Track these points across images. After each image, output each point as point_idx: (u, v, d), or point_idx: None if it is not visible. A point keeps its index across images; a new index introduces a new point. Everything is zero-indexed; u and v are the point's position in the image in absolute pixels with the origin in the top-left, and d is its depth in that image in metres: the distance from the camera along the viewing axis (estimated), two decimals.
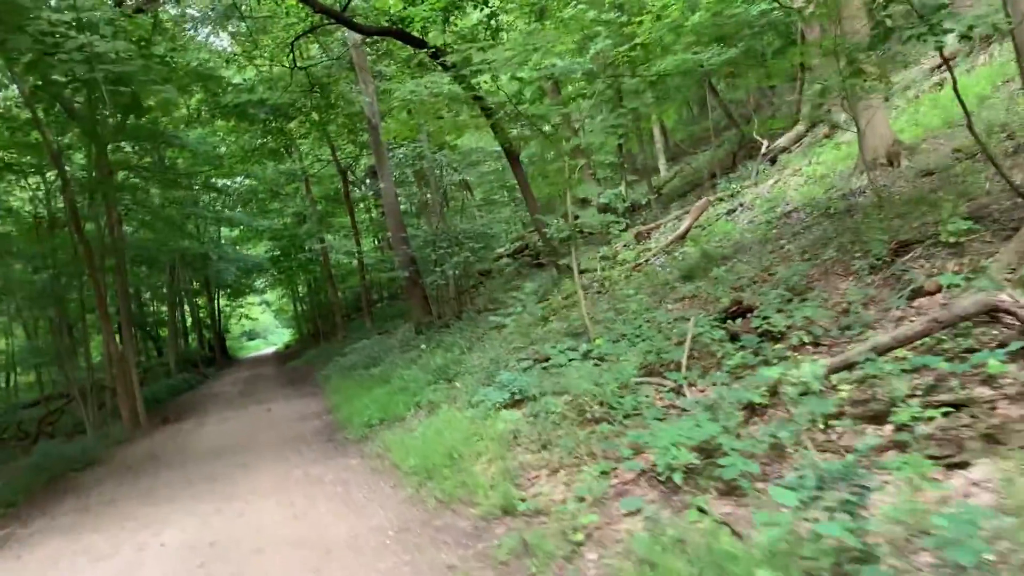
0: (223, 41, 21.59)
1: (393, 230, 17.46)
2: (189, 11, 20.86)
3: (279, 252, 26.84)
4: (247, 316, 45.89)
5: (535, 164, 17.17)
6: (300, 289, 37.69)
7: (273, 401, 16.16)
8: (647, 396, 5.95)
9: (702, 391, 5.81)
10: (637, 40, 8.09)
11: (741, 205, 14.13)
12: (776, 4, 9.50)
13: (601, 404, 5.96)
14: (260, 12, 18.81)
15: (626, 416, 5.73)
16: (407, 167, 20.46)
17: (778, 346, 5.99)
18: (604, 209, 17.35)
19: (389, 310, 29.05)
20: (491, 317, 12.92)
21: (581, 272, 15.54)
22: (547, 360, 8.23)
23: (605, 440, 5.42)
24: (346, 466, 8.02)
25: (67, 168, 16.01)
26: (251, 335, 56.69)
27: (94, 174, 16.16)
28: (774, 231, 10.79)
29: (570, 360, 7.36)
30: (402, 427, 8.89)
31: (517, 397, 7.37)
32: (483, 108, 11.71)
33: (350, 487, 7.01)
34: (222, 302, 43.36)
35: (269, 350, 49.49)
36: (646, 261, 13.55)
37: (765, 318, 6.26)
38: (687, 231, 13.96)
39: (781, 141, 17.78)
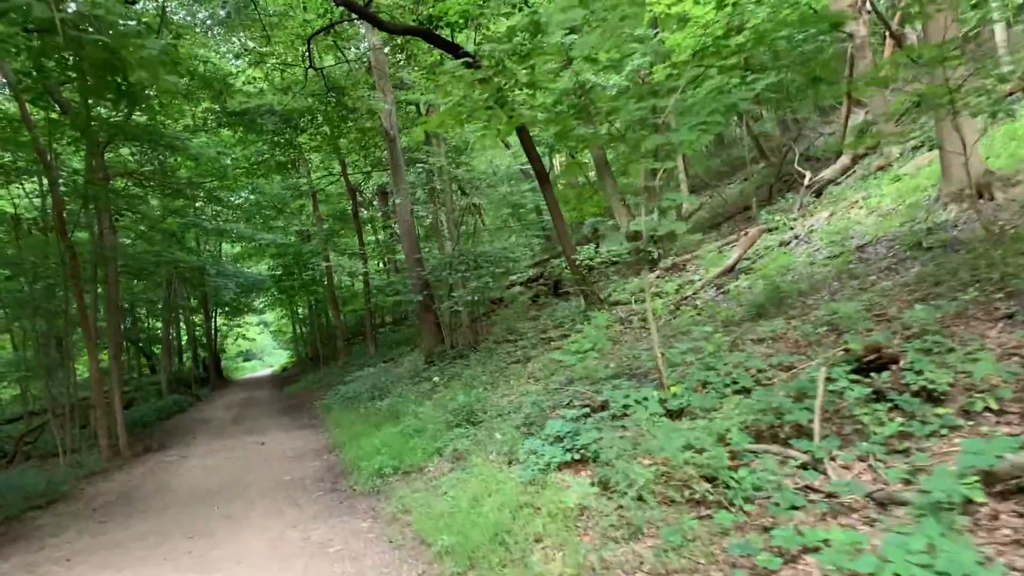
0: (233, 45, 20.26)
1: (407, 250, 16.01)
2: (199, 15, 19.66)
3: (281, 271, 25.27)
4: (244, 336, 44.26)
5: (564, 184, 15.85)
6: (300, 311, 36.14)
7: (267, 432, 14.57)
8: (770, 472, 4.43)
9: (847, 468, 4.31)
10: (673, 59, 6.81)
11: (796, 238, 12.71)
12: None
13: (708, 480, 4.45)
14: (276, 3, 17.49)
15: (746, 500, 4.22)
16: (420, 186, 19.11)
17: (941, 410, 4.50)
18: (634, 237, 15.96)
19: (393, 336, 27.51)
20: (543, 349, 11.44)
21: (612, 303, 14.12)
22: (604, 407, 6.73)
23: (726, 535, 3.91)
24: (355, 530, 6.44)
25: (59, 170, 14.56)
26: (247, 356, 54.95)
27: (85, 176, 14.70)
28: (850, 265, 9.36)
29: (649, 413, 5.82)
30: (422, 481, 7.34)
31: (576, 455, 5.85)
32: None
33: (363, 566, 5.44)
34: (219, 321, 41.80)
35: (265, 372, 47.77)
36: (693, 294, 12.10)
37: (918, 372, 4.77)
38: (736, 263, 12.52)
39: (826, 173, 16.44)
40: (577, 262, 14.15)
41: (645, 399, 6.16)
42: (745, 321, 8.56)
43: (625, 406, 6.31)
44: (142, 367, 35.83)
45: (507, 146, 23.81)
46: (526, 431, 7.06)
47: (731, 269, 12.55)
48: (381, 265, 30.06)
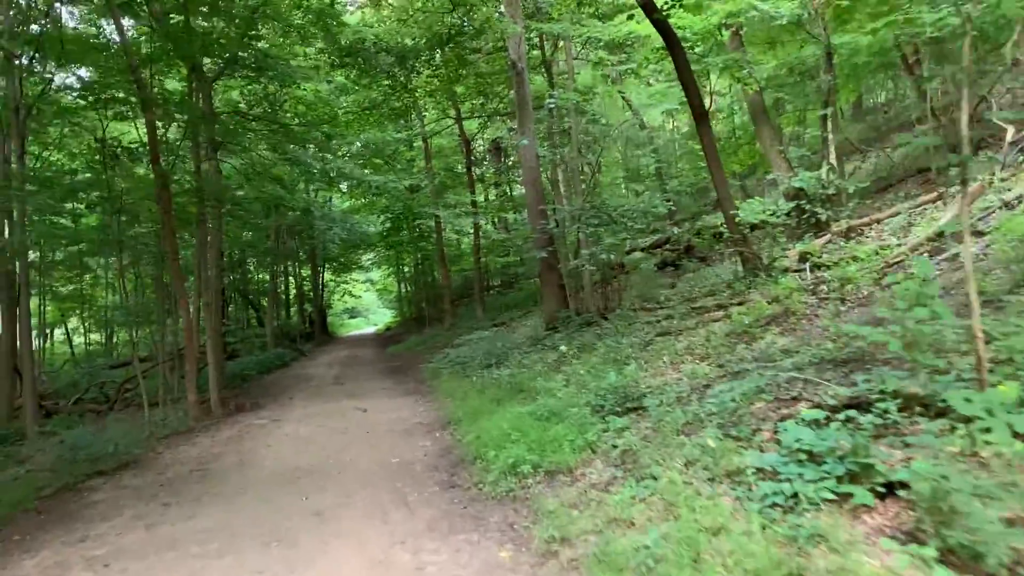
0: None
1: (530, 200, 13.88)
2: None
3: (389, 224, 23.57)
4: (350, 293, 43.55)
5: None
6: (406, 269, 34.77)
7: (370, 396, 12.89)
8: None
9: None
10: None
11: (1019, 199, 9.80)
12: None
13: None
14: None
15: None
16: (547, 133, 16.85)
17: None
18: (796, 196, 13.21)
19: (501, 299, 25.62)
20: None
21: (783, 270, 11.56)
22: (858, 406, 4.40)
23: None
24: (492, 563, 4.39)
25: (158, 95, 13.13)
26: (353, 313, 54.62)
27: (184, 101, 13.24)
28: None
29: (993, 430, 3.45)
30: (577, 490, 5.20)
31: (860, 486, 3.57)
32: None
33: None
34: (327, 276, 41.19)
35: (369, 330, 47.15)
36: (898, 260, 9.44)
37: None
38: (957, 225, 9.72)
39: None
40: (737, 220, 11.63)
41: (967, 401, 3.76)
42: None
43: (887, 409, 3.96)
44: (250, 319, 35.56)
45: (629, 105, 21.20)
46: (738, 436, 4.80)
47: (940, 233, 9.79)
48: (491, 226, 28.14)
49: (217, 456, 8.60)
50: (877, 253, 10.16)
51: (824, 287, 9.33)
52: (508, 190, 27.40)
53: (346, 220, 31.09)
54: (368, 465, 7.38)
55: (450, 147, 25.46)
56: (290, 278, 36.84)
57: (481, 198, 26.36)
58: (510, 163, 24.52)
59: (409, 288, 36.53)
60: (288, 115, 19.81)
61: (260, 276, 34.98)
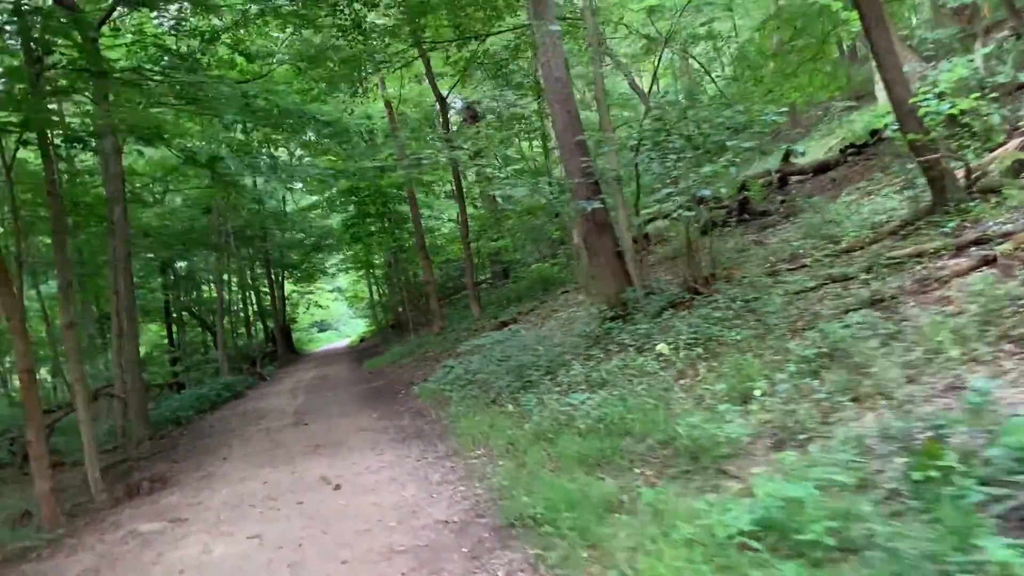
0: None
1: (561, 127, 9.10)
2: None
3: (355, 209, 18.41)
4: (317, 304, 38.36)
5: None
6: (377, 269, 29.77)
7: (346, 447, 8.09)
8: None
9: None
10: None
11: None
12: None
13: None
14: None
15: None
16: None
17: None
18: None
19: (496, 293, 20.86)
20: None
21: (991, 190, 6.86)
22: None
23: None
24: None
25: None
26: (322, 326, 49.30)
27: None
28: None
29: None
30: None
31: None
32: None
33: None
34: (288, 288, 36.01)
35: (342, 343, 41.89)
36: None
37: None
38: None
39: None
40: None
41: None
42: None
43: None
44: (207, 342, 30.43)
45: None
46: None
47: None
48: (474, 207, 23.31)
49: None
50: None
51: None
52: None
53: (303, 220, 26.16)
54: None
55: (420, 114, 20.50)
56: (248, 292, 31.69)
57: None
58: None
59: (382, 291, 31.51)
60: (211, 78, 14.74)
61: (211, 293, 29.82)
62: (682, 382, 5.85)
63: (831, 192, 12.53)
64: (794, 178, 15.21)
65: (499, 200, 21.21)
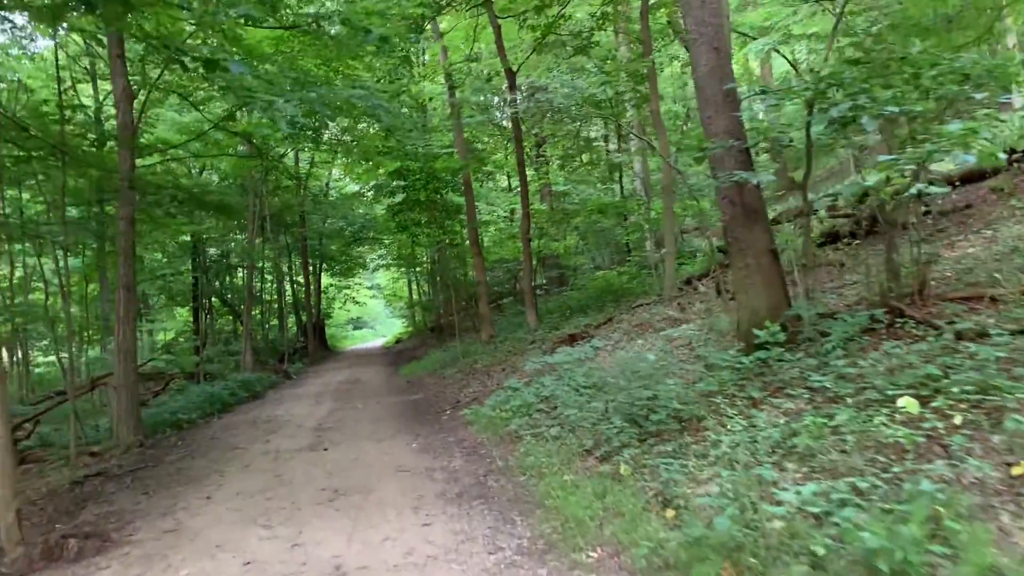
0: None
1: (705, 66, 6.43)
2: None
3: (404, 194, 15.84)
4: (354, 300, 36.09)
5: None
6: (419, 267, 27.37)
7: (377, 490, 5.66)
8: None
9: None
10: None
11: None
12: None
13: None
14: None
15: None
16: None
17: None
18: None
19: (553, 301, 18.26)
20: None
21: None
22: None
23: None
24: None
25: None
26: (357, 324, 47.06)
27: None
28: None
29: None
30: None
31: None
32: None
33: None
34: (326, 280, 33.84)
35: (377, 342, 39.62)
36: None
37: None
38: None
39: None
40: None
41: None
42: None
43: None
44: (238, 333, 28.32)
45: None
46: None
47: None
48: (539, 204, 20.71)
49: None
50: None
51: None
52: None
53: (345, 206, 23.88)
54: None
55: (481, 94, 17.96)
56: (283, 282, 29.59)
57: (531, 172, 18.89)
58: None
59: (424, 290, 29.10)
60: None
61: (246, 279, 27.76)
62: (977, 475, 3.20)
63: (995, 208, 9.82)
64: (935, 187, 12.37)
65: (561, 198, 18.65)
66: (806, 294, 5.97)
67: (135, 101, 11.16)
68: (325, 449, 8.11)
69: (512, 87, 14.97)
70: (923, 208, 11.63)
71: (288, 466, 7.33)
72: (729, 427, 4.60)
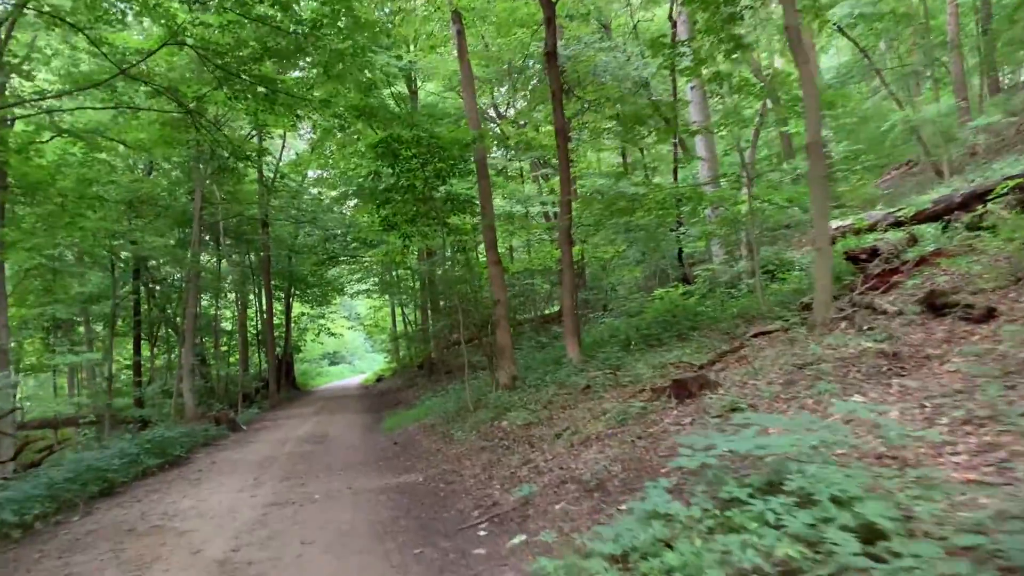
0: None
1: None
2: None
3: (392, 177, 10.78)
4: (329, 331, 30.93)
5: None
6: (407, 292, 22.41)
7: None
8: None
9: None
10: None
11: None
12: None
13: None
14: None
15: None
16: None
17: None
18: None
19: (596, 330, 13.43)
20: None
21: None
22: None
23: None
24: None
25: None
26: (334, 359, 41.69)
27: None
28: None
29: None
30: None
31: None
32: None
33: None
34: (297, 308, 28.81)
35: (354, 380, 34.24)
36: None
37: None
38: None
39: None
40: None
41: None
42: None
43: None
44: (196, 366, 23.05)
45: None
46: None
47: None
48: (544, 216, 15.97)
49: None
50: None
51: None
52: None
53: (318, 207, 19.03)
54: None
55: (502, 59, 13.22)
56: (248, 310, 24.58)
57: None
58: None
59: (412, 319, 24.07)
60: None
61: (209, 305, 22.63)
62: None
63: None
64: None
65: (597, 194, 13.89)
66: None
67: None
68: None
69: (550, 21, 10.35)
70: None
71: None
72: None
